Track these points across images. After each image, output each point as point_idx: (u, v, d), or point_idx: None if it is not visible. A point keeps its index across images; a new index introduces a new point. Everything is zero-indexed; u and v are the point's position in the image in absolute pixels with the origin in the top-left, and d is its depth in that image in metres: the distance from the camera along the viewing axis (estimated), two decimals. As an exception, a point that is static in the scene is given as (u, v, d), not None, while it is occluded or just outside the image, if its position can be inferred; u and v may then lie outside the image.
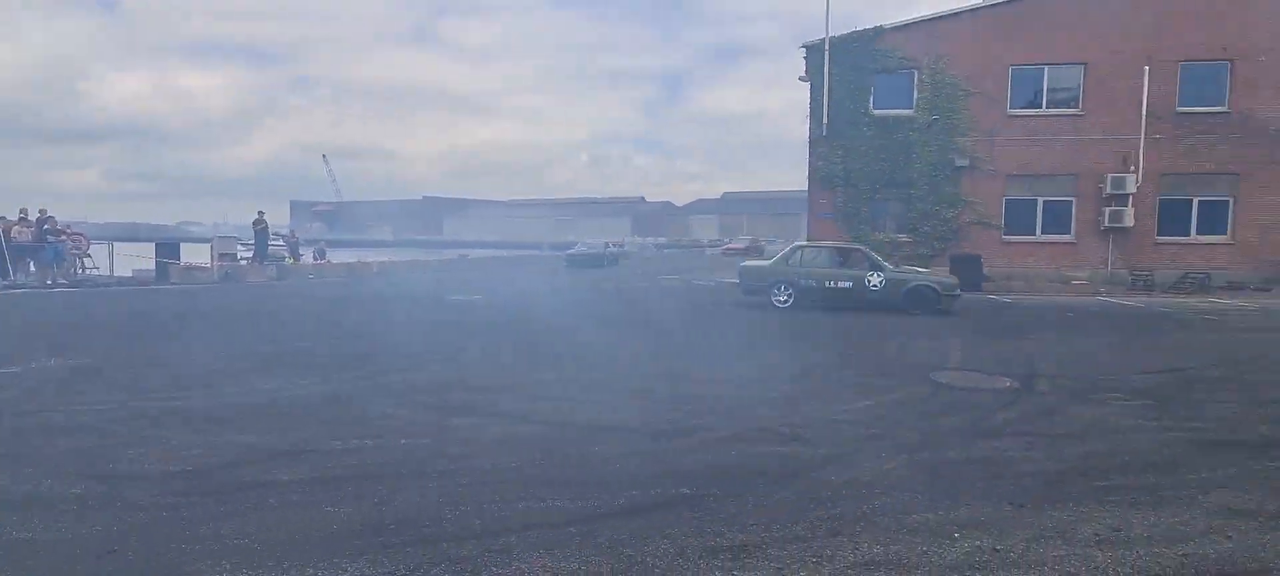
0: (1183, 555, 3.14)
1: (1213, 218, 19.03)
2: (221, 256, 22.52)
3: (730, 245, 49.20)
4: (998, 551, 3.18)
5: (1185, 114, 18.88)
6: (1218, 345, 9.16)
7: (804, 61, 21.43)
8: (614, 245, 40.42)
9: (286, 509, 3.67)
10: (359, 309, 13.97)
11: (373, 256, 36.96)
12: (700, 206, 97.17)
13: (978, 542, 3.27)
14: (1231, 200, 18.86)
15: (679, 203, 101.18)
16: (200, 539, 3.29)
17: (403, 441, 4.92)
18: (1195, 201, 19.08)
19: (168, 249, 22.89)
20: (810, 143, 21.42)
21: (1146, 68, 18.83)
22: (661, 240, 73.61)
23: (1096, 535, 3.35)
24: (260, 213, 23.84)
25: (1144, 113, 18.96)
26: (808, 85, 21.50)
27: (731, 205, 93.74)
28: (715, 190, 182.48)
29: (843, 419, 5.52)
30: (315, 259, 30.00)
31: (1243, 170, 18.63)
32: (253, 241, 24.88)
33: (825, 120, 21.04)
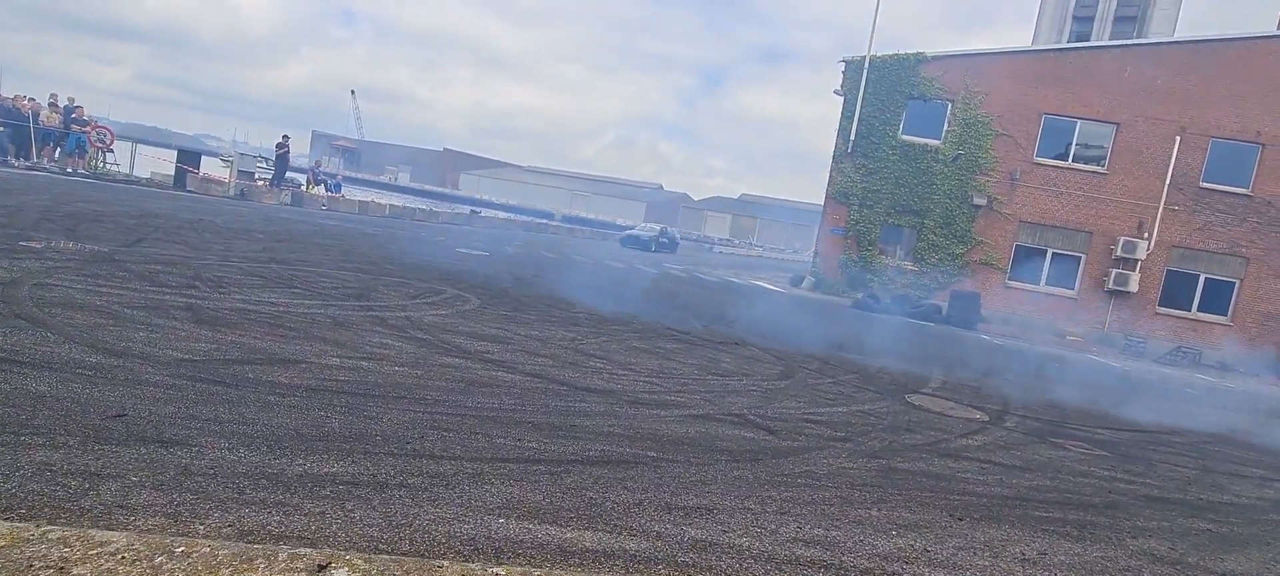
0: (1096, 583, 3.40)
1: (1216, 297, 19.16)
2: (240, 173, 22.89)
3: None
4: (928, 551, 3.44)
5: (1207, 189, 18.99)
6: (1190, 416, 9.36)
7: (842, 75, 21.57)
8: (667, 231, 40.07)
9: (284, 407, 3.95)
10: (368, 244, 14.24)
11: (385, 198, 37.35)
12: (716, 204, 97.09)
13: (911, 541, 3.53)
14: (1237, 282, 18.98)
15: (696, 196, 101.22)
16: (202, 417, 3.57)
17: (396, 369, 5.20)
18: (1202, 277, 19.21)
19: (189, 157, 23.22)
20: (834, 157, 21.59)
21: (1178, 138, 18.91)
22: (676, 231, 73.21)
23: (1022, 554, 3.61)
24: (285, 137, 24.14)
25: (1167, 181, 19.07)
26: (841, 100, 21.66)
27: (747, 207, 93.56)
28: (734, 190, 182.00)
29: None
30: (329, 192, 30.33)
31: (1253, 254, 18.74)
32: (272, 163, 25.20)
33: (852, 136, 21.20)
